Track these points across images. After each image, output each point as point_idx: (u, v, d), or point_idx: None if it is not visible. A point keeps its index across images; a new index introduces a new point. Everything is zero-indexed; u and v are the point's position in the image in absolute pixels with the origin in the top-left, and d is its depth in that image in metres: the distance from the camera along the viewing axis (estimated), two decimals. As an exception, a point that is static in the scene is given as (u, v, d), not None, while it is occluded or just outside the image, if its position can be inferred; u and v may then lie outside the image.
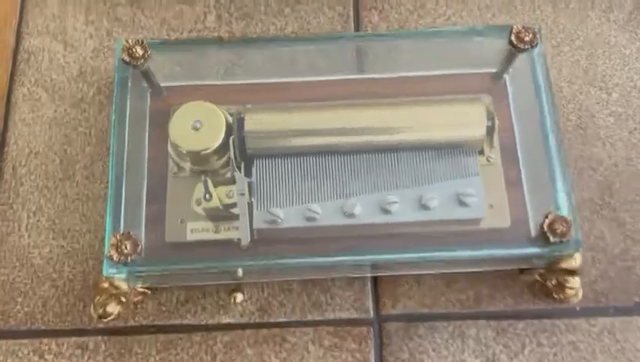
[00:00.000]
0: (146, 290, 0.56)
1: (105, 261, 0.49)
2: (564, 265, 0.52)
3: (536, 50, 0.56)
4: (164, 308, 0.59)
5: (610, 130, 0.66)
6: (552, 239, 0.48)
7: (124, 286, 0.52)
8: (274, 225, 0.54)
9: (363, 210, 0.54)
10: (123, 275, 0.49)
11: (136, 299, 0.57)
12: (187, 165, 0.56)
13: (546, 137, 0.54)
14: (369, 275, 0.59)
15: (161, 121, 0.59)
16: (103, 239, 0.60)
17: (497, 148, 0.58)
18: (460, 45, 0.62)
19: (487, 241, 0.54)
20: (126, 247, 0.47)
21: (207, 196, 0.53)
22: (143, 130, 0.59)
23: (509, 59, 0.59)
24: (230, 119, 0.56)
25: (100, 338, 0.58)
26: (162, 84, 0.61)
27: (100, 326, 0.59)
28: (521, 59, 0.59)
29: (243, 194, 0.53)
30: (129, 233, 0.48)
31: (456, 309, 0.59)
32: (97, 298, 0.56)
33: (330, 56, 0.64)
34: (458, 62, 0.63)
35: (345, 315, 0.59)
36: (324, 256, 0.51)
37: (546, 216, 0.49)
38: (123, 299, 0.56)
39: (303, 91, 0.61)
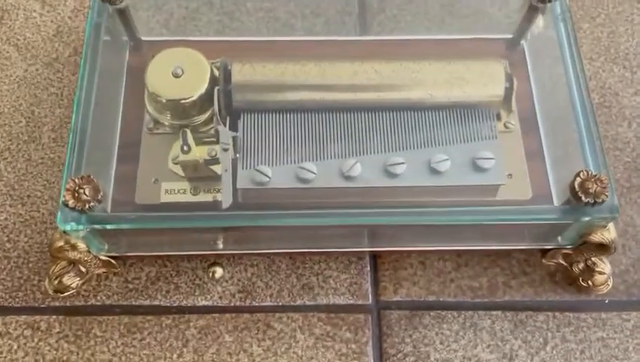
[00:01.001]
0: (110, 260, 0.48)
1: (60, 210, 0.41)
2: (596, 237, 0.44)
3: (558, 5, 0.50)
4: (131, 286, 0.51)
5: (636, 109, 0.60)
6: (584, 199, 0.41)
7: (82, 247, 0.44)
8: (260, 186, 0.46)
9: (364, 171, 0.47)
10: (81, 229, 0.42)
11: (99, 272, 0.49)
12: (166, 119, 0.50)
13: (573, 96, 0.47)
14: (367, 250, 0.51)
15: (140, 78, 0.53)
16: None
17: (516, 114, 0.52)
18: (472, 6, 0.56)
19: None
20: (85, 193, 0.40)
21: (185, 148, 0.46)
22: (119, 84, 0.53)
23: (528, 19, 0.53)
24: (216, 72, 0.50)
25: (54, 317, 0.50)
26: (143, 38, 0.55)
27: (56, 303, 0.51)
28: (539, 26, 0.53)
29: (226, 150, 0.47)
30: (89, 177, 0.41)
31: (468, 298, 0.52)
32: (53, 268, 0.48)
33: (330, 15, 0.59)
34: (470, 25, 0.57)
35: (339, 300, 0.51)
36: (317, 216, 0.44)
37: (578, 175, 0.42)
38: (83, 270, 0.48)
39: (298, 51, 0.55)
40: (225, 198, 0.45)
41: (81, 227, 0.41)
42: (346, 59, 0.50)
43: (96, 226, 0.41)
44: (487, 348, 0.50)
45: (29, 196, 0.55)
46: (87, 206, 0.40)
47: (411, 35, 0.58)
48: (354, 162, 0.47)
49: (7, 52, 0.61)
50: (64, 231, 0.43)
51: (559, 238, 0.48)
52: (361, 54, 0.52)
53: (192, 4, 0.61)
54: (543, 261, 0.51)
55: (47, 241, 0.53)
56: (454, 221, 0.45)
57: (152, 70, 0.49)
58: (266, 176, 0.46)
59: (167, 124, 0.50)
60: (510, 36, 0.56)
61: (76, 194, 0.40)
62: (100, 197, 0.40)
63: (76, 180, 0.41)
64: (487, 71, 0.50)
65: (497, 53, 0.55)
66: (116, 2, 0.48)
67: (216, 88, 0.48)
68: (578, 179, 0.42)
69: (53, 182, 0.55)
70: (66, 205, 0.40)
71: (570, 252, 0.49)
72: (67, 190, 0.40)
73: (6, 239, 0.53)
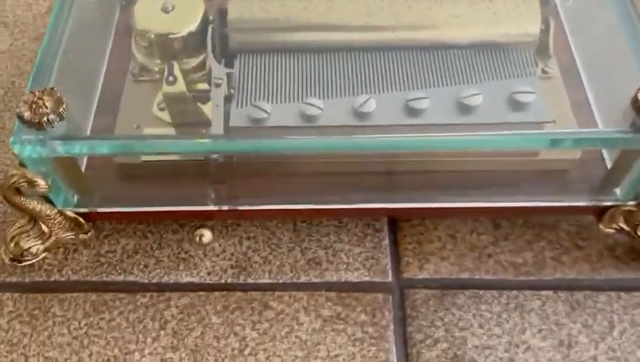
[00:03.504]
0: (79, 218, 0.40)
1: (14, 127, 0.34)
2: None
3: None
4: (103, 260, 0.43)
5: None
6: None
7: (42, 184, 0.36)
8: (257, 124, 0.39)
9: (379, 107, 0.40)
10: (38, 154, 0.34)
11: (64, 237, 0.41)
12: (154, 63, 0.44)
13: (633, 41, 0.40)
14: (385, 206, 0.41)
15: (127, 31, 0.48)
16: None
17: (554, 59, 0.45)
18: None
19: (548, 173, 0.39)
20: (45, 105, 0.33)
21: (171, 78, 0.40)
22: (106, 37, 0.48)
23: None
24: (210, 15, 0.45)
25: (8, 295, 0.42)
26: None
27: (13, 279, 0.42)
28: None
29: (219, 85, 0.40)
30: (52, 89, 0.34)
31: (510, 275, 0.42)
32: (10, 230, 0.41)
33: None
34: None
35: (352, 277, 0.42)
36: (321, 141, 0.36)
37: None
38: (45, 230, 0.40)
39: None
40: (215, 136, 0.38)
41: (38, 151, 0.34)
42: (358, -1, 0.44)
43: (58, 148, 0.34)
44: (539, 333, 0.40)
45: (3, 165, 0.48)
46: (45, 119, 0.33)
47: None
48: (367, 97, 0.40)
49: (-6, 28, 0.57)
50: (21, 164, 0.36)
51: (618, 189, 0.40)
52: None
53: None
54: (600, 227, 0.42)
55: (9, 211, 0.45)
56: (495, 145, 0.36)
57: (141, 6, 0.43)
58: (265, 111, 0.39)
59: (155, 70, 0.44)
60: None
61: (34, 107, 0.33)
62: (62, 110, 0.33)
63: (36, 92, 0.34)
64: (519, 8, 0.44)
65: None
66: None
67: (210, 25, 0.43)
68: (641, 92, 0.34)
69: (26, 151, 0.49)
70: (21, 118, 0.33)
71: (634, 208, 0.40)
72: (24, 102, 0.33)
73: (-36, 208, 0.46)
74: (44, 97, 0.33)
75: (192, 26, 0.43)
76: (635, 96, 0.35)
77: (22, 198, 0.37)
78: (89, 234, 0.42)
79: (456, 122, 0.39)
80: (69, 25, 0.42)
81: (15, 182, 0.36)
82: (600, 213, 0.41)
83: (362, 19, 0.43)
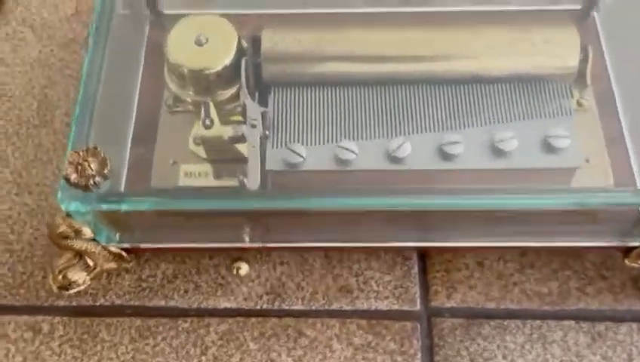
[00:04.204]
0: (121, 252, 0.42)
1: (60, 188, 0.35)
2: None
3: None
4: (144, 285, 0.45)
5: None
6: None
7: (88, 233, 0.38)
8: (293, 167, 0.40)
9: (414, 152, 0.40)
10: (85, 211, 0.36)
11: (108, 267, 0.43)
12: (187, 95, 0.44)
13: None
14: (416, 245, 0.43)
15: (160, 55, 0.48)
16: None
17: (591, 90, 0.44)
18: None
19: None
20: (90, 166, 0.34)
21: (208, 121, 0.40)
22: (137, 61, 0.47)
23: (603, -17, 0.46)
24: (245, 43, 0.44)
25: (58, 319, 0.44)
26: (166, 12, 0.50)
27: (61, 303, 0.45)
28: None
29: (255, 126, 0.40)
30: (95, 148, 0.35)
31: (534, 305, 0.44)
32: (58, 261, 0.43)
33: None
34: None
35: (382, 305, 0.44)
36: (359, 197, 0.37)
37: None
38: (90, 263, 0.42)
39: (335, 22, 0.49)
40: (252, 179, 0.39)
41: (84, 207, 0.35)
42: (392, 27, 0.44)
43: (103, 206, 0.35)
44: (560, 364, 0.42)
45: (37, 184, 0.49)
46: (91, 181, 0.34)
47: (460, 7, 0.52)
48: (402, 141, 0.40)
49: (22, 32, 0.57)
50: (67, 214, 0.37)
51: (650, 230, 0.41)
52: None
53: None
54: (626, 262, 0.43)
55: (55, 234, 0.47)
56: (529, 205, 0.37)
57: (174, 37, 0.43)
58: (300, 155, 0.40)
59: (189, 100, 0.44)
60: (578, 7, 0.49)
61: (79, 168, 0.34)
62: (106, 171, 0.34)
63: (80, 153, 0.35)
64: (558, 38, 0.43)
65: (558, 23, 0.48)
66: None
67: (243, 58, 0.43)
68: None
69: (64, 169, 0.50)
70: (68, 180, 0.34)
71: (661, 250, 0.41)
72: (69, 163, 0.34)
73: (9, 231, 0.48)
74: (89, 158, 0.34)
75: (227, 60, 0.42)
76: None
77: (68, 241, 0.39)
78: (131, 263, 0.44)
79: (490, 167, 0.40)
80: (105, 61, 0.42)
81: (63, 231, 0.37)
82: (627, 250, 0.42)
83: (396, 50, 0.43)
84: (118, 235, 0.41)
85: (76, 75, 0.54)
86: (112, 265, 0.43)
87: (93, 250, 0.41)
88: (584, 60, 0.43)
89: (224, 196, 0.37)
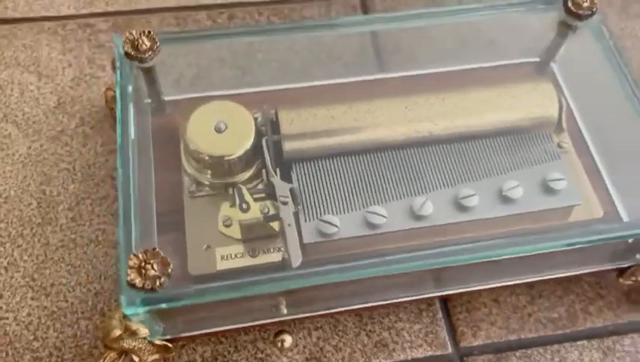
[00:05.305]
0: (167, 344, 0.42)
1: (123, 293, 0.36)
2: (685, 247, 0.43)
3: (595, 18, 0.50)
4: (186, 371, 0.46)
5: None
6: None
7: (144, 331, 0.38)
8: (329, 238, 0.43)
9: (435, 208, 0.44)
10: (146, 312, 0.36)
11: (152, 360, 0.43)
12: (206, 178, 0.45)
13: (636, 107, 0.46)
14: (438, 295, 0.46)
15: (167, 140, 0.49)
16: (97, 293, 0.48)
17: (567, 133, 0.50)
18: (485, 35, 0.55)
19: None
20: (153, 268, 0.35)
21: (244, 206, 0.42)
22: (148, 149, 0.48)
23: (558, 38, 0.53)
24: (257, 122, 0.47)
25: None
26: (166, 98, 0.51)
27: (103, 403, 0.44)
28: (571, 40, 0.53)
29: (286, 203, 0.43)
30: (154, 249, 0.36)
31: (550, 331, 0.48)
32: (100, 362, 0.42)
33: (347, 58, 0.57)
34: (492, 51, 0.56)
35: (418, 354, 0.47)
36: (395, 263, 0.40)
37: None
38: (136, 359, 0.42)
39: (327, 95, 0.52)
40: (294, 256, 0.41)
41: (149, 309, 0.36)
42: (392, 97, 0.48)
43: (170, 305, 0.36)
44: (583, 382, 0.47)
45: (52, 285, 0.48)
46: (157, 283, 0.35)
47: (434, 69, 0.57)
48: (424, 200, 0.44)
49: (6, 130, 0.56)
50: (123, 316, 0.38)
51: (638, 255, 0.46)
52: (392, 91, 0.50)
53: (203, 62, 0.58)
54: (620, 280, 0.48)
55: (81, 333, 0.46)
56: (539, 249, 0.42)
57: (193, 126, 0.45)
58: (334, 225, 0.43)
59: (206, 183, 0.46)
60: (536, 59, 0.56)
61: (143, 271, 0.35)
62: (170, 270, 0.35)
63: (140, 255, 0.36)
64: (537, 92, 0.49)
65: (525, 77, 0.55)
66: (146, 60, 0.45)
67: (264, 139, 0.45)
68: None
69: (79, 266, 0.49)
70: (133, 286, 0.35)
71: (651, 266, 0.47)
72: (131, 268, 0.35)
73: (32, 337, 0.46)
74: (151, 261, 0.35)
75: (248, 144, 0.44)
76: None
77: (120, 343, 0.39)
78: (173, 352, 0.44)
79: (503, 214, 0.44)
80: (136, 159, 0.43)
81: (120, 336, 0.37)
82: (621, 271, 0.48)
83: (402, 115, 0.47)
84: (162, 326, 0.42)
85: (72, 167, 0.54)
86: (155, 356, 0.43)
87: (141, 346, 0.41)
88: (561, 107, 0.49)
89: (279, 278, 0.39)
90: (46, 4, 0.63)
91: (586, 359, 0.48)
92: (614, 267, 0.48)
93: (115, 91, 0.53)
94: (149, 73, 0.47)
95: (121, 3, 0.64)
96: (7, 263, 0.49)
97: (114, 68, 0.47)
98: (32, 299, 0.48)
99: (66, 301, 0.48)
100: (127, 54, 0.44)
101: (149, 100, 0.50)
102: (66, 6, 0.63)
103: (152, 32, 0.44)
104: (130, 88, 0.46)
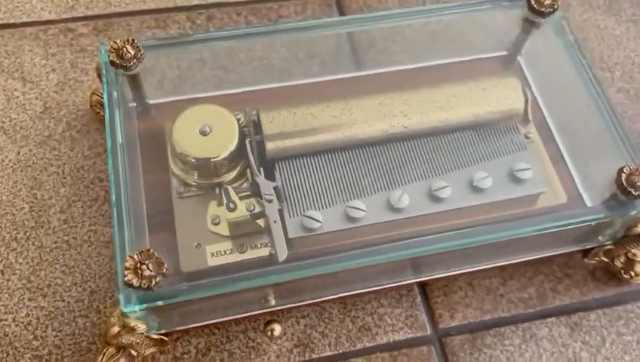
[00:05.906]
0: (163, 337, 0.45)
1: (121, 293, 0.38)
2: (639, 229, 0.46)
3: (557, 15, 0.53)
4: (181, 362, 0.48)
5: (624, 105, 0.63)
6: (634, 193, 0.43)
7: (141, 327, 0.41)
8: (312, 232, 0.45)
9: (411, 201, 0.47)
10: (143, 309, 0.39)
11: (149, 353, 0.46)
12: (192, 179, 0.48)
13: (595, 98, 0.49)
14: (417, 280, 0.50)
15: (152, 143, 0.51)
16: (92, 292, 0.50)
17: (533, 124, 0.53)
18: (455, 30, 0.58)
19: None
20: (149, 268, 0.37)
21: (231, 205, 0.44)
22: (135, 152, 0.50)
23: (523, 34, 0.56)
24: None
25: (104, 412, 0.46)
26: (150, 102, 0.53)
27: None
28: (535, 35, 0.56)
29: (271, 201, 0.45)
30: (149, 250, 0.38)
31: (521, 310, 0.52)
32: (100, 359, 0.45)
33: (324, 56, 0.59)
34: (462, 47, 0.59)
35: (399, 336, 0.50)
36: (375, 254, 0.42)
37: (622, 171, 0.44)
38: (134, 353, 0.45)
39: (305, 94, 0.54)
40: (280, 251, 0.44)
41: (146, 306, 0.38)
42: (368, 94, 0.50)
43: (165, 302, 0.39)
44: (552, 356, 0.50)
45: (48, 285, 0.50)
46: (153, 282, 0.37)
47: (408, 66, 0.59)
48: (401, 193, 0.47)
49: (-6, 137, 0.57)
50: (121, 314, 0.40)
51: (600, 237, 0.50)
52: (368, 88, 0.53)
53: (184, 65, 0.60)
54: (585, 260, 0.52)
55: (79, 331, 0.48)
56: (510, 235, 0.45)
57: (178, 130, 0.47)
58: (317, 221, 0.45)
59: (194, 184, 0.48)
60: (504, 53, 0.58)
61: (139, 272, 0.37)
62: (165, 270, 0.38)
63: (135, 256, 0.38)
64: (503, 86, 0.51)
65: (494, 71, 0.58)
66: (131, 68, 0.46)
67: (247, 141, 0.47)
68: (623, 175, 0.44)
69: (73, 266, 0.51)
70: (130, 285, 0.37)
71: (612, 247, 0.50)
72: (127, 268, 0.37)
73: (32, 337, 0.48)
74: (146, 261, 0.37)
75: (232, 146, 0.47)
76: (619, 178, 0.44)
77: (119, 339, 0.41)
78: (169, 345, 0.47)
79: (474, 203, 0.47)
80: (126, 162, 0.45)
81: (118, 332, 0.40)
82: (585, 252, 0.51)
83: (377, 110, 0.49)
84: (157, 321, 0.44)
85: (61, 171, 0.56)
86: (152, 349, 0.46)
87: (137, 341, 0.43)
88: (526, 99, 0.52)
89: (267, 272, 0.41)
90: (27, 10, 0.64)
91: (555, 334, 0.51)
92: (579, 248, 0.51)
93: (99, 95, 0.55)
94: (134, 79, 0.49)
95: (101, 7, 0.65)
96: (3, 266, 0.51)
97: (99, 76, 0.49)
98: (30, 300, 0.50)
99: (63, 300, 0.50)
100: (112, 63, 0.46)
101: (135, 104, 0.52)
102: (47, 11, 0.64)
103: (135, 41, 0.46)
104: (115, 94, 0.48)
